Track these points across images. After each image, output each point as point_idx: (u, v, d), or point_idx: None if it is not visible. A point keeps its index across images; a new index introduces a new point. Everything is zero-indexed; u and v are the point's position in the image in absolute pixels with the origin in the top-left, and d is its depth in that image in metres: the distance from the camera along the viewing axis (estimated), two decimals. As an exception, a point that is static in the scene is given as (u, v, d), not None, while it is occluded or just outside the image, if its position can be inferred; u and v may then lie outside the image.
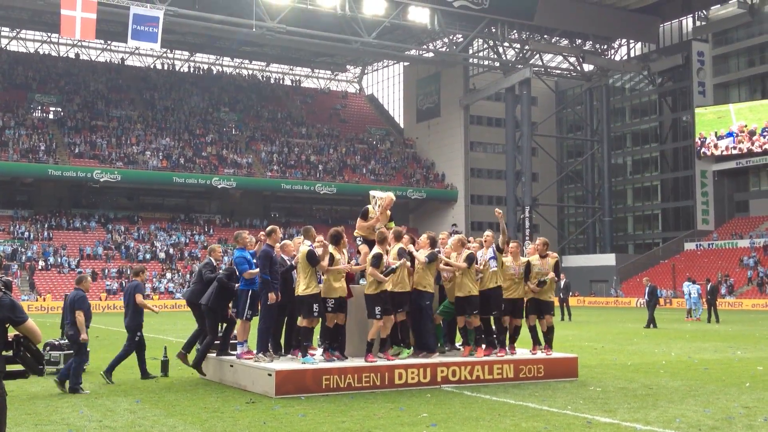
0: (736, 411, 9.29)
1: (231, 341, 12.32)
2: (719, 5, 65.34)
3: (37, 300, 47.47)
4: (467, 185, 70.01)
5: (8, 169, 55.47)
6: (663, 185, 71.62)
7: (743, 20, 62.85)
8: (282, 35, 56.94)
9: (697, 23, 67.69)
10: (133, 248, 56.72)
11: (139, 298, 12.43)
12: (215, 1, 54.91)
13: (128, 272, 53.49)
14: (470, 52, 67.04)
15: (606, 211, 68.50)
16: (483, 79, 70.99)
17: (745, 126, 61.90)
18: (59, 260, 53.27)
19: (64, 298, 13.68)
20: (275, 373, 10.33)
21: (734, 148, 62.64)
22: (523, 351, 12.69)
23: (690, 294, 32.55)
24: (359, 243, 12.28)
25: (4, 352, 5.44)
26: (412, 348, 11.76)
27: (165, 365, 12.95)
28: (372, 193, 12.76)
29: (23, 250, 53.34)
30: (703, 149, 64.19)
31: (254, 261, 11.48)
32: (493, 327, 12.42)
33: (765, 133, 60.87)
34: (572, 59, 70.66)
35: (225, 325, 12.27)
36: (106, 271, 52.61)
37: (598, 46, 69.63)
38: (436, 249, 12.08)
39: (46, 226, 57.01)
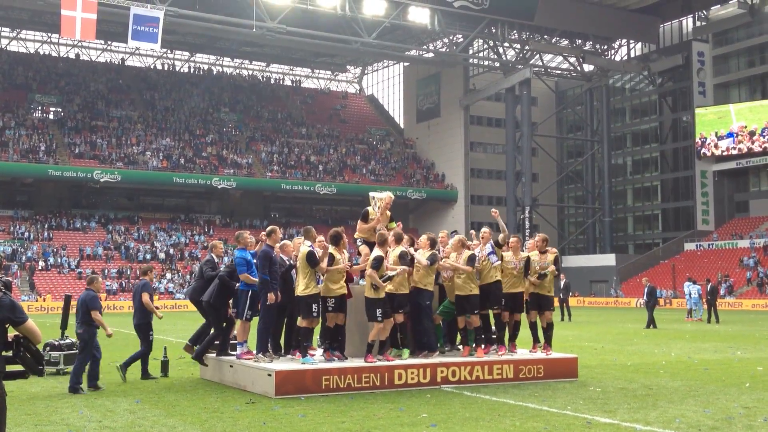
0: (736, 411, 9.29)
1: (231, 341, 12.34)
2: (719, 5, 65.33)
3: (37, 300, 47.45)
4: (467, 185, 70.02)
5: (8, 170, 55.48)
6: (663, 185, 71.62)
7: (743, 20, 62.84)
8: (282, 35, 56.93)
9: (697, 23, 67.69)
10: (133, 248, 56.72)
11: (145, 297, 12.47)
12: (215, 2, 54.93)
13: (128, 272, 53.61)
14: (470, 52, 67.05)
15: (606, 211, 68.51)
16: (483, 79, 71.00)
17: (745, 126, 61.91)
18: (59, 261, 53.27)
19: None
20: (275, 373, 10.34)
21: (734, 148, 62.65)
22: (523, 351, 12.70)
23: (690, 294, 32.54)
24: (359, 244, 12.28)
25: (4, 353, 5.43)
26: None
27: (165, 366, 12.95)
28: (371, 194, 12.75)
29: (23, 250, 53.36)
30: (703, 149, 64.20)
31: (254, 261, 11.48)
32: (493, 326, 12.44)
33: (765, 133, 60.88)
34: (572, 59, 70.66)
35: (225, 324, 12.29)
36: (106, 271, 52.59)
37: (598, 46, 69.63)
38: (436, 249, 12.09)
39: (46, 226, 57.02)
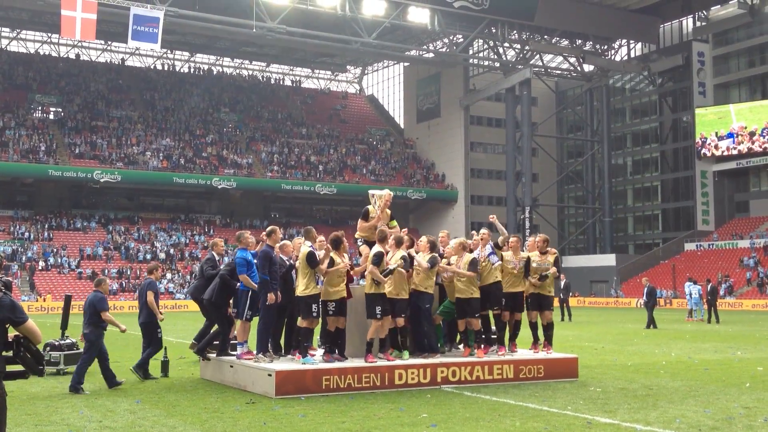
0: (736, 411, 9.29)
1: (231, 341, 12.34)
2: (719, 6, 65.35)
3: (37, 300, 47.46)
4: (467, 186, 70.02)
5: (8, 170, 55.49)
6: (663, 185, 71.62)
7: (743, 21, 62.85)
8: (282, 36, 56.94)
9: (698, 23, 67.69)
10: (133, 249, 56.73)
11: (149, 297, 12.52)
12: (215, 2, 54.91)
13: (128, 273, 53.63)
14: (470, 52, 67.06)
15: (606, 211, 68.51)
16: (483, 79, 71.01)
17: (745, 126, 61.91)
18: (59, 261, 53.27)
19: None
20: (275, 373, 10.34)
21: (734, 148, 62.65)
22: (523, 351, 12.70)
23: (691, 295, 32.53)
24: (360, 244, 12.27)
25: (4, 353, 5.43)
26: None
27: (165, 366, 12.94)
28: (371, 192, 12.76)
29: (23, 250, 53.37)
30: (703, 150, 64.20)
31: (255, 262, 11.48)
32: (493, 327, 12.44)
33: (765, 134, 60.87)
34: (572, 60, 70.66)
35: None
36: (106, 271, 52.56)
37: (598, 46, 69.63)
38: (437, 251, 12.10)
39: (46, 226, 57.02)
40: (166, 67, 76.73)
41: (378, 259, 11.15)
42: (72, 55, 73.09)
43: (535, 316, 12.69)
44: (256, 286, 11.24)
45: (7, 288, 5.65)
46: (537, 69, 67.77)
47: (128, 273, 53.70)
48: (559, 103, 76.54)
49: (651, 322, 26.44)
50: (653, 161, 72.65)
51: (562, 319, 30.58)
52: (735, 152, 62.77)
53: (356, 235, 12.42)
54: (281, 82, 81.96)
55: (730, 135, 62.61)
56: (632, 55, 72.86)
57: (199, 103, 70.84)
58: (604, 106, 69.44)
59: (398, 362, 11.18)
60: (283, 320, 11.99)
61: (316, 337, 12.21)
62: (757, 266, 55.62)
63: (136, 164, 59.68)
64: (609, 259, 64.43)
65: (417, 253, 11.85)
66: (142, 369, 12.35)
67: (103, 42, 71.15)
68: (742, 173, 65.28)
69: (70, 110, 63.78)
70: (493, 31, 63.24)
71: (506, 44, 66.16)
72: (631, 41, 71.34)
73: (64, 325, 13.44)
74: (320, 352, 11.70)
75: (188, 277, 53.74)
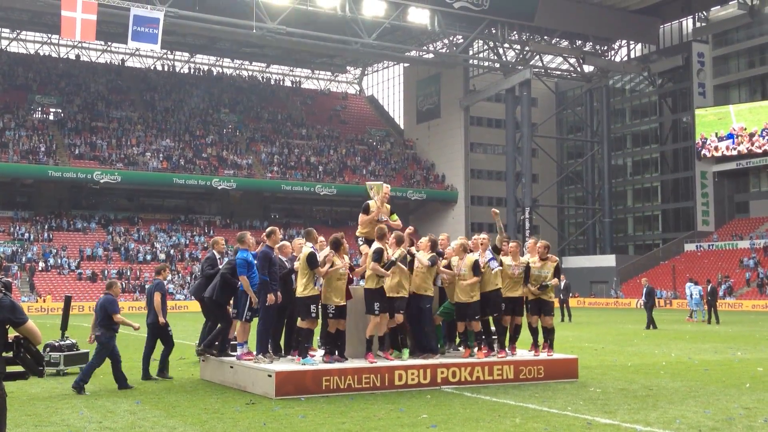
0: (736, 412, 9.29)
1: (231, 342, 12.33)
2: (719, 6, 65.36)
3: (37, 301, 47.45)
4: (467, 186, 70.01)
5: (8, 170, 55.49)
6: (663, 186, 71.62)
7: (743, 21, 62.84)
8: (282, 36, 56.95)
9: (697, 24, 67.70)
10: (133, 249, 56.73)
11: (156, 298, 12.59)
12: (215, 3, 54.93)
13: (128, 273, 53.62)
14: (470, 53, 67.07)
15: (606, 212, 68.51)
16: (483, 80, 71.02)
17: (745, 127, 61.92)
18: (59, 261, 53.27)
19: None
20: (275, 374, 10.34)
21: (734, 149, 62.66)
22: (523, 352, 12.69)
23: (692, 295, 32.51)
24: (361, 243, 12.25)
25: (4, 354, 5.43)
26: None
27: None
28: (368, 183, 12.76)
29: (23, 251, 53.36)
30: (703, 150, 64.21)
31: (255, 262, 11.48)
32: (493, 329, 12.43)
33: (765, 134, 60.88)
34: (572, 60, 70.67)
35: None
36: (106, 272, 52.59)
37: (598, 47, 69.64)
38: (438, 251, 12.10)
39: (46, 227, 57.02)
40: (166, 68, 76.75)
41: (378, 255, 11.15)
42: (72, 56, 73.11)
43: (535, 321, 12.65)
44: (254, 293, 11.25)
45: (7, 289, 5.65)
46: (537, 70, 67.78)
47: (128, 274, 53.69)
48: (559, 104, 76.55)
49: (650, 323, 26.44)
50: (653, 162, 72.66)
51: (562, 320, 30.59)
52: (735, 153, 62.77)
53: (357, 233, 12.36)
54: (281, 83, 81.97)
55: (730, 136, 62.63)
56: (632, 55, 72.87)
57: (199, 103, 70.85)
58: (604, 106, 69.44)
59: (398, 363, 11.19)
60: (283, 321, 11.99)
61: (316, 338, 12.21)
62: (757, 267, 55.63)
63: (136, 165, 59.68)
64: (609, 260, 64.44)
65: (417, 251, 11.86)
66: (163, 371, 12.61)
67: (103, 43, 71.16)
68: (742, 174, 65.30)
69: (70, 111, 63.79)
70: (493, 31, 63.27)
71: (506, 45, 66.18)
72: (631, 42, 71.34)
73: (64, 326, 13.43)
74: (320, 352, 11.70)
75: (188, 277, 53.74)
